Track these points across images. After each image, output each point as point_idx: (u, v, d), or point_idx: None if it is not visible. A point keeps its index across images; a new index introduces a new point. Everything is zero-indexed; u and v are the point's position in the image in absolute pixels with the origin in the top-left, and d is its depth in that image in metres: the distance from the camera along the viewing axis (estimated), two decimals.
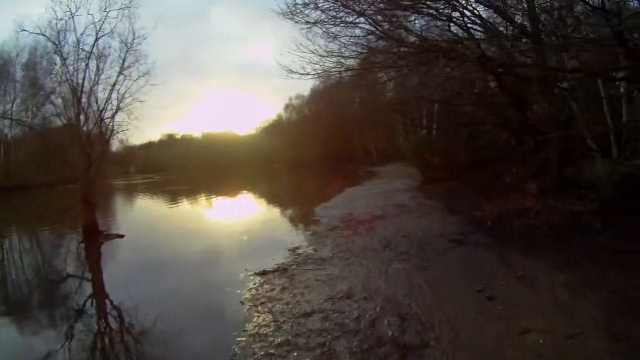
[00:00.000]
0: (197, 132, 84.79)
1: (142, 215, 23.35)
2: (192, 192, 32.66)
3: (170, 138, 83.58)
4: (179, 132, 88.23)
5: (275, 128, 67.61)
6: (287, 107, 67.66)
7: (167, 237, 14.37)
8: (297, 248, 10.02)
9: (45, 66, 14.49)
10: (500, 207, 10.94)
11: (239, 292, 7.27)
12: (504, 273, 6.61)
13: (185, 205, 25.25)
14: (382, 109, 27.51)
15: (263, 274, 8.16)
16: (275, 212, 19.82)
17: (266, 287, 7.39)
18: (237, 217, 18.53)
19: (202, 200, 28.32)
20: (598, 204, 9.00)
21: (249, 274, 8.25)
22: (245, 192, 31.28)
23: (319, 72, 11.54)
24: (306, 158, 49.88)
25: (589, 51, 8.74)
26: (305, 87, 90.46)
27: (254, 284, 7.60)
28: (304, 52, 11.10)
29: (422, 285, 6.50)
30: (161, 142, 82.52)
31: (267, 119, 75.61)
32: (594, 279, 5.84)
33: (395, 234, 10.30)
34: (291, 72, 11.64)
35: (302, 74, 11.52)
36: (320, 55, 11.01)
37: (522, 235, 8.61)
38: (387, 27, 10.36)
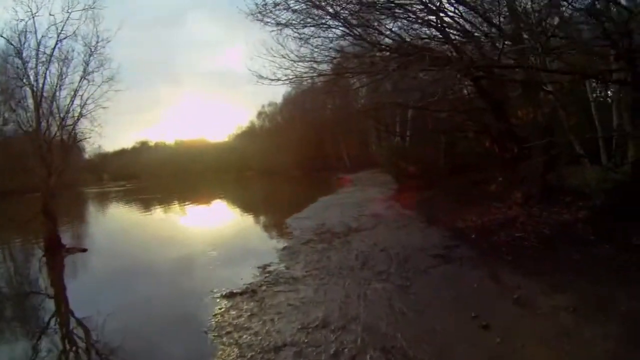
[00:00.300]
0: (169, 139, 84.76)
1: (109, 226, 22.47)
2: (163, 201, 32.10)
3: (143, 145, 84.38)
4: (152, 139, 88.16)
5: (248, 135, 67.61)
6: (259, 114, 67.62)
7: (132, 252, 13.51)
8: (268, 265, 9.31)
9: (9, 70, 13.30)
10: (483, 216, 10.50)
11: (202, 318, 6.53)
12: (496, 294, 5.97)
13: (154, 215, 24.39)
14: (355, 115, 27.31)
15: (230, 296, 7.45)
16: (246, 223, 18.93)
17: (232, 312, 6.67)
18: (206, 229, 17.68)
19: (173, 209, 27.46)
20: (588, 212, 8.58)
21: (214, 296, 7.55)
22: (217, 201, 30.58)
23: (291, 77, 11.00)
24: (279, 165, 49.53)
25: (575, 52, 8.32)
26: (278, 93, 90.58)
27: (220, 309, 6.88)
28: (275, 56, 10.62)
29: (406, 311, 5.81)
30: (134, 149, 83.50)
31: (239, 125, 75.61)
32: (597, 300, 5.29)
33: (372, 248, 9.66)
34: (261, 77, 11.08)
35: (272, 80, 10.97)
36: (292, 60, 10.55)
37: (509, 248, 8.03)
38: (361, 30, 9.87)
